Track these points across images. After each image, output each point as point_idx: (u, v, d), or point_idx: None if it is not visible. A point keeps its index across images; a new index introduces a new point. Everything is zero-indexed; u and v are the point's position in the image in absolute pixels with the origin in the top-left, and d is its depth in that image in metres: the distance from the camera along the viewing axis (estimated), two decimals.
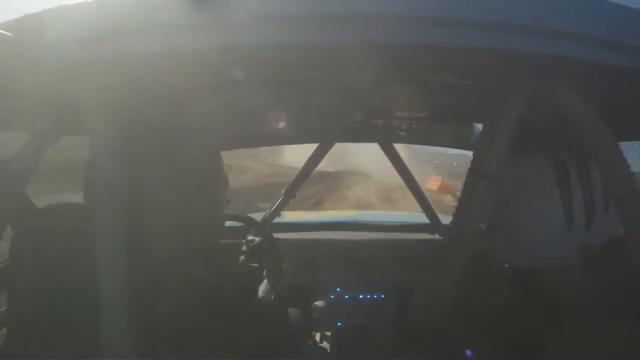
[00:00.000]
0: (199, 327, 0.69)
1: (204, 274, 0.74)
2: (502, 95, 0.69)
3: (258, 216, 2.01)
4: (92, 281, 0.59)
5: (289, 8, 0.58)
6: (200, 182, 0.78)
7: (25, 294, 0.70)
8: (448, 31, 0.59)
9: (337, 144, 2.08)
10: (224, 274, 0.82)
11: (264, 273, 1.56)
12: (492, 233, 0.81)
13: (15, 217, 0.74)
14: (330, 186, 12.89)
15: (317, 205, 9.51)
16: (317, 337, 1.79)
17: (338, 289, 1.86)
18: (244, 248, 1.62)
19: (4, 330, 0.76)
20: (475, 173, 0.70)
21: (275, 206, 2.11)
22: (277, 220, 2.15)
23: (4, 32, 0.62)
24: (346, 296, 1.86)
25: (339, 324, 1.82)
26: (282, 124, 1.35)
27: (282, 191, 2.14)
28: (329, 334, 1.79)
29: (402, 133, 1.61)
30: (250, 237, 1.64)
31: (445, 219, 2.21)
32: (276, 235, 1.75)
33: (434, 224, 2.13)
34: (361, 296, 1.87)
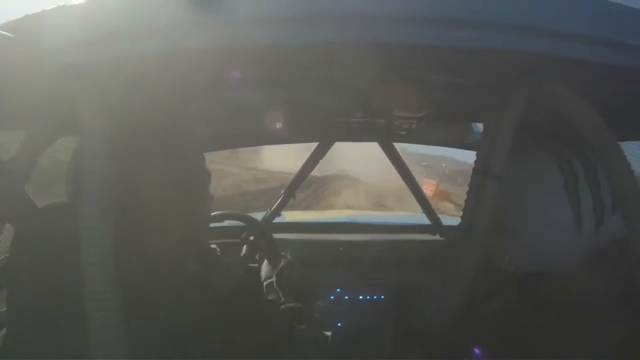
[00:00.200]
0: (190, 325, 0.69)
1: (193, 271, 0.75)
2: (502, 95, 0.69)
3: (258, 216, 2.01)
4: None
5: (288, 8, 0.58)
6: (189, 180, 0.78)
7: (25, 294, 0.70)
8: (448, 31, 0.59)
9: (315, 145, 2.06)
10: (214, 271, 0.82)
11: (263, 269, 1.56)
12: (497, 235, 0.81)
13: (14, 217, 0.74)
14: (317, 193, 11.74)
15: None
16: (317, 337, 1.79)
17: (338, 290, 1.86)
18: (243, 248, 1.63)
19: (4, 331, 0.76)
20: (481, 172, 0.69)
21: (275, 206, 2.11)
22: (277, 220, 2.15)
23: (4, 32, 0.62)
24: (346, 297, 1.86)
25: (339, 324, 1.82)
26: (282, 124, 1.36)
27: (282, 191, 2.14)
28: (328, 334, 1.79)
29: (402, 133, 1.61)
30: (250, 237, 1.65)
31: (446, 220, 2.21)
32: (276, 235, 1.75)
33: (434, 225, 2.13)
34: (361, 297, 1.87)
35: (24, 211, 0.77)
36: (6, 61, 0.63)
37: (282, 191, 2.14)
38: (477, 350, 0.83)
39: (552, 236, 0.77)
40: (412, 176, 2.13)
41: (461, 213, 0.72)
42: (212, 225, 1.65)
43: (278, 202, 2.11)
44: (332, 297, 1.85)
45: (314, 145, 2.04)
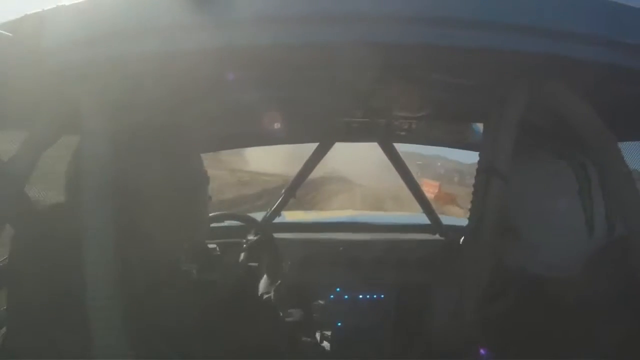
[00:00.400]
0: (189, 325, 0.69)
1: (191, 271, 0.75)
2: (502, 95, 0.69)
3: (258, 216, 2.01)
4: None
5: (287, 8, 0.58)
6: (188, 180, 0.78)
7: (25, 294, 0.70)
8: (448, 31, 0.59)
9: (305, 145, 2.06)
10: (213, 271, 0.82)
11: (264, 271, 1.56)
12: (503, 236, 0.81)
13: (14, 217, 0.74)
14: (306, 199, 10.38)
15: None
16: (317, 337, 1.79)
17: (338, 289, 1.86)
18: (244, 247, 1.63)
19: (4, 330, 0.76)
20: (486, 172, 0.69)
21: (275, 206, 2.11)
22: (277, 220, 2.15)
23: (4, 32, 0.62)
24: (346, 296, 1.86)
25: (339, 324, 1.82)
26: (282, 124, 1.36)
27: (283, 190, 2.14)
28: (328, 334, 1.79)
29: (402, 133, 1.61)
30: (250, 237, 1.65)
31: (445, 220, 2.21)
32: (276, 235, 1.75)
33: (434, 224, 2.13)
34: (361, 296, 1.87)
35: (24, 211, 0.77)
36: (5, 61, 0.63)
37: (283, 191, 2.14)
38: (482, 351, 0.83)
39: (558, 238, 0.77)
40: (412, 176, 2.13)
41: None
42: (211, 225, 1.65)
43: (278, 202, 2.11)
44: (332, 297, 1.85)
45: (302, 145, 2.05)
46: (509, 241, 0.80)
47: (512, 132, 0.67)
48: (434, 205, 2.24)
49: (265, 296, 1.43)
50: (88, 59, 0.62)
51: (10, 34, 0.63)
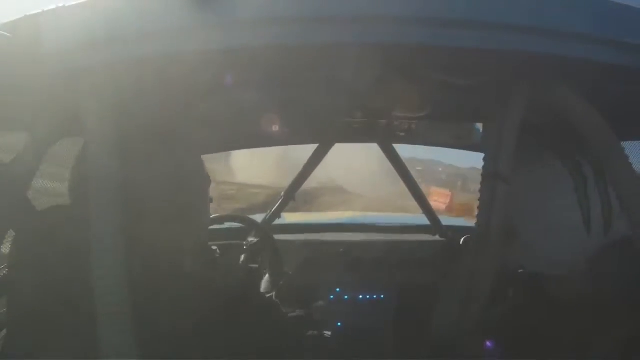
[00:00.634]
0: (198, 327, 0.69)
1: (193, 272, 0.74)
2: (503, 95, 0.69)
3: (258, 217, 2.01)
4: (92, 282, 0.59)
5: (287, 10, 0.58)
6: (194, 181, 0.78)
7: (25, 296, 0.70)
8: (448, 31, 0.59)
9: (300, 151, 2.07)
10: (214, 271, 0.82)
11: (265, 272, 1.56)
12: (506, 237, 0.80)
13: (15, 220, 0.74)
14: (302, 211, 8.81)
15: None
16: (317, 337, 1.79)
17: (338, 290, 1.86)
18: (244, 249, 1.63)
19: (4, 332, 0.76)
20: (493, 176, 0.69)
21: (275, 208, 2.11)
22: (277, 222, 2.15)
23: (4, 33, 0.62)
24: (346, 297, 1.86)
25: (339, 324, 1.82)
26: (282, 125, 1.36)
27: (282, 192, 2.14)
28: (329, 334, 1.79)
29: (402, 133, 1.61)
30: (250, 239, 1.65)
31: (445, 220, 2.21)
32: (277, 236, 1.75)
33: (434, 225, 2.13)
34: (361, 297, 1.87)
35: (25, 214, 0.77)
36: (6, 61, 0.63)
37: (282, 193, 2.14)
38: (488, 343, 0.83)
39: (557, 236, 0.77)
40: (411, 177, 2.14)
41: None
42: (212, 227, 1.65)
43: (278, 204, 2.11)
44: (332, 297, 1.85)
45: (292, 154, 2.05)
46: (510, 240, 0.80)
47: (515, 134, 0.67)
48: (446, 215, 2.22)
49: (266, 297, 1.43)
50: (88, 61, 0.62)
51: (10, 35, 0.62)
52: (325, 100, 1.09)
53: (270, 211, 2.12)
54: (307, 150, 2.10)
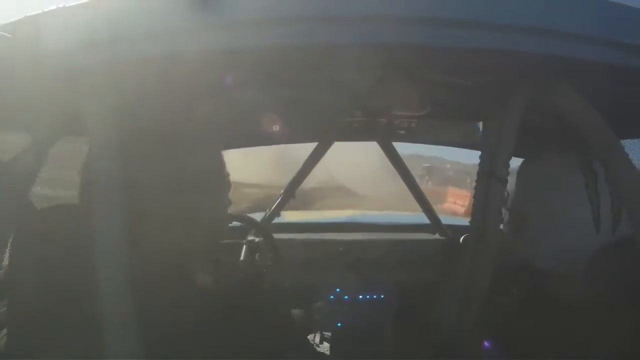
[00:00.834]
0: (202, 327, 0.69)
1: (207, 274, 0.74)
2: (503, 95, 0.69)
3: (258, 216, 2.01)
4: (92, 282, 0.59)
5: (287, 10, 0.58)
6: (202, 183, 0.78)
7: (25, 295, 0.70)
8: (448, 31, 0.59)
9: (300, 149, 2.06)
10: (226, 274, 0.82)
11: (264, 271, 1.56)
12: (512, 233, 0.81)
13: (16, 219, 0.74)
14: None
15: None
16: (317, 338, 1.79)
17: (338, 290, 1.86)
18: (244, 248, 1.63)
19: (4, 331, 0.76)
20: (488, 175, 0.69)
21: (274, 206, 2.11)
22: (276, 220, 2.15)
23: (4, 33, 0.62)
24: (346, 297, 1.86)
25: (339, 324, 1.82)
26: (281, 124, 1.36)
27: (281, 191, 2.14)
28: (328, 334, 1.79)
29: (402, 132, 1.61)
30: (250, 238, 1.64)
31: (445, 219, 2.21)
32: (276, 235, 1.75)
33: (434, 224, 2.13)
34: (361, 297, 1.87)
35: (25, 213, 0.77)
36: (7, 62, 0.63)
37: (282, 191, 2.14)
38: (486, 343, 0.83)
39: (564, 234, 0.77)
40: (411, 176, 2.14)
41: None
42: None
43: (277, 202, 2.11)
44: (331, 297, 1.85)
45: (288, 152, 2.05)
46: (517, 236, 0.81)
47: (513, 134, 0.68)
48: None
49: (266, 297, 1.43)
50: (88, 62, 0.62)
51: (10, 35, 0.62)
52: (327, 100, 1.09)
53: (270, 210, 2.12)
54: (302, 149, 2.10)
